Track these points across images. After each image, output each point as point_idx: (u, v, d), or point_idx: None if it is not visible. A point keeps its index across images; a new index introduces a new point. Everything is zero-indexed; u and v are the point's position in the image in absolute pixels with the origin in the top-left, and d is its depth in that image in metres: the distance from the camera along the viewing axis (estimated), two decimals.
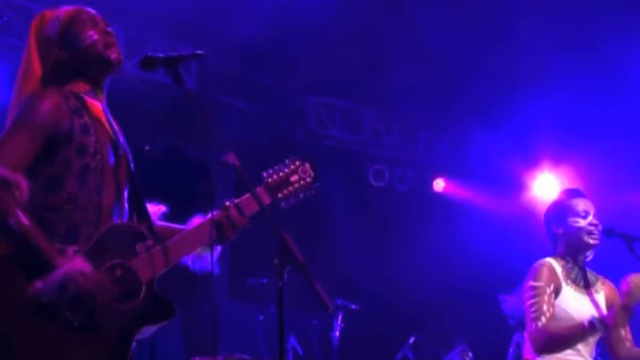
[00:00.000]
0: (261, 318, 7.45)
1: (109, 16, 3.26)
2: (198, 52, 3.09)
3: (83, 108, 3.03)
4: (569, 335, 3.98)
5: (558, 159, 8.92)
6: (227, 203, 3.09)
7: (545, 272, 4.08)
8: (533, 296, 4.03)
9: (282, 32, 7.22)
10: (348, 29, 7.70)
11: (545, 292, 4.03)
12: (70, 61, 3.09)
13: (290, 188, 3.21)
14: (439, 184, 9.77)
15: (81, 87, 3.09)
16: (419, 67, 7.89)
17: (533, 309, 4.01)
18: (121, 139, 3.13)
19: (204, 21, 6.87)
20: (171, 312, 2.94)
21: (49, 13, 3.18)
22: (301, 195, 3.25)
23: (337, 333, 7.43)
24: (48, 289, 2.72)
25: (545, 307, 4.00)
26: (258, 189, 3.13)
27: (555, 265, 4.15)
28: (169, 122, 7.40)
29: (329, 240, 8.75)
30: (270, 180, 3.19)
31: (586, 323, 3.91)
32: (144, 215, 3.11)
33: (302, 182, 3.24)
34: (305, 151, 8.86)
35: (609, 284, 4.26)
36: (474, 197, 9.68)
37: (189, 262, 3.19)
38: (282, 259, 2.74)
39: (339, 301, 7.48)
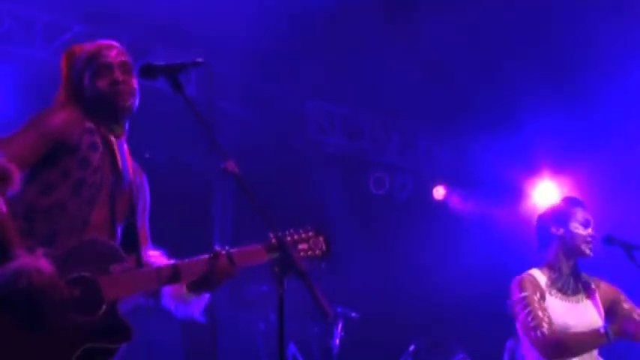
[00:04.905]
0: (261, 326, 7.44)
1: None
2: (199, 59, 3.10)
3: (97, 132, 3.10)
4: (581, 339, 3.93)
5: (558, 167, 8.92)
6: (217, 249, 3.04)
7: (527, 283, 4.08)
8: (525, 306, 4.01)
9: (282, 38, 7.22)
10: (348, 35, 7.71)
11: (534, 300, 4.01)
12: (84, 105, 3.16)
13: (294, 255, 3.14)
14: (439, 192, 9.76)
15: (96, 122, 3.15)
16: (419, 75, 7.89)
17: (529, 318, 3.97)
18: (129, 175, 3.16)
19: (204, 28, 6.87)
20: (127, 337, 2.90)
21: (77, 50, 3.25)
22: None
23: (337, 341, 7.42)
24: (1, 278, 2.74)
25: (541, 314, 3.97)
26: (258, 247, 3.10)
27: (539, 275, 4.14)
28: (169, 130, 7.40)
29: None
30: (274, 241, 3.11)
31: (602, 330, 3.89)
32: (135, 249, 3.11)
33: (309, 253, 3.23)
34: (305, 158, 8.87)
35: (604, 284, 4.23)
36: (474, 205, 9.67)
37: (172, 308, 3.16)
38: (283, 266, 2.74)
39: (339, 309, 7.47)
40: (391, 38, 7.67)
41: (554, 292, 4.11)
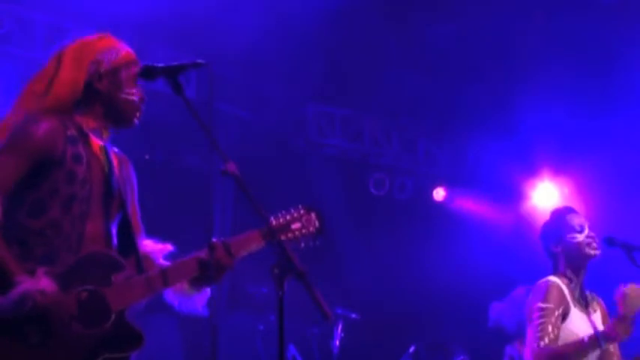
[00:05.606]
0: (261, 327, 7.44)
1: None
2: (199, 61, 3.07)
3: (81, 139, 3.01)
4: (569, 352, 3.96)
5: (558, 168, 8.92)
6: (214, 240, 3.00)
7: (555, 294, 4.07)
8: (541, 317, 4.01)
9: (282, 40, 7.23)
10: (348, 37, 7.71)
11: (554, 315, 4.01)
12: (101, 98, 3.08)
13: (289, 235, 3.17)
14: (439, 193, 9.76)
15: (90, 123, 3.08)
16: (419, 76, 7.90)
17: (539, 328, 3.99)
18: (116, 175, 3.09)
19: (203, 29, 6.88)
20: (139, 344, 2.90)
21: (114, 40, 3.15)
22: (302, 243, 3.19)
23: (337, 342, 7.42)
24: (6, 305, 2.72)
25: (550, 329, 3.97)
26: (252, 232, 3.10)
27: (562, 285, 4.13)
28: (169, 132, 7.40)
29: (329, 249, 8.73)
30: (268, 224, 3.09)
31: (586, 339, 3.93)
32: (133, 250, 3.08)
33: (303, 231, 3.20)
34: (305, 159, 8.87)
35: (603, 305, 4.29)
36: (474, 206, 9.67)
37: (176, 304, 3.15)
38: (283, 267, 2.73)
39: (339, 310, 7.47)
40: (391, 40, 7.67)
41: (575, 303, 4.13)
